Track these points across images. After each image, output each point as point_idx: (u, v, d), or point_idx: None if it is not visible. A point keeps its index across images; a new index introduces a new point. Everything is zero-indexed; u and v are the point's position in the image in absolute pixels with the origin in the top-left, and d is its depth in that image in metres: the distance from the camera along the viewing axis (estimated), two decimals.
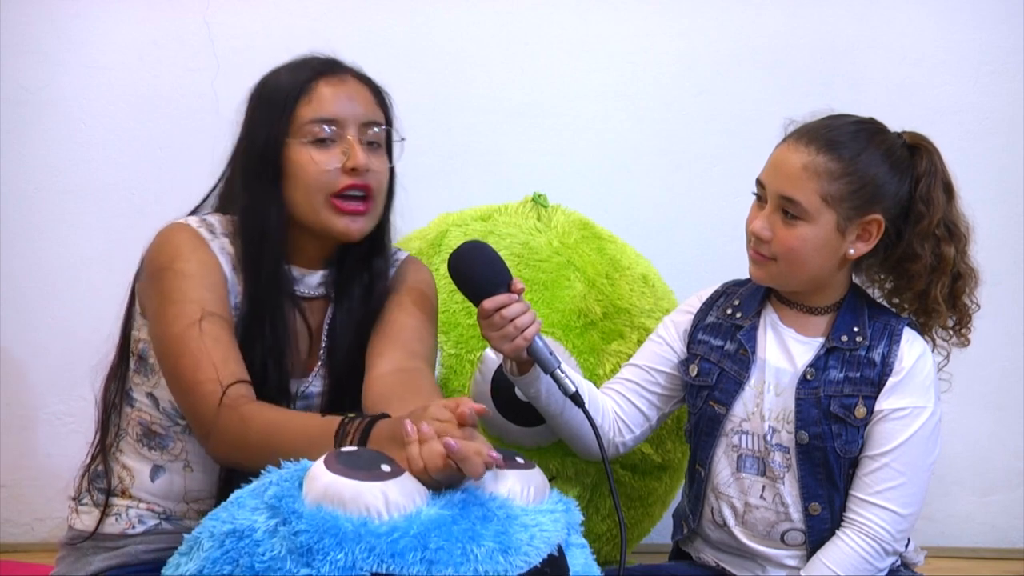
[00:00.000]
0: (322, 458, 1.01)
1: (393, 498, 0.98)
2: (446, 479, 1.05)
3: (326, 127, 1.40)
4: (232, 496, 1.06)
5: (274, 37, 2.20)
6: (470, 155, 2.29)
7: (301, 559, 0.95)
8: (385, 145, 1.47)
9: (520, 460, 1.12)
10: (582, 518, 1.14)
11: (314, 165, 1.39)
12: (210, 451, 1.32)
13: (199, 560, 1.01)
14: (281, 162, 1.40)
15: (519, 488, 1.07)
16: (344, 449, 1.05)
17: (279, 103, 1.41)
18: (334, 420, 1.18)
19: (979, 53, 2.31)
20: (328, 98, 1.41)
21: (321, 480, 0.98)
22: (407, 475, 1.02)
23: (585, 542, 1.14)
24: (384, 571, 0.94)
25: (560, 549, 1.06)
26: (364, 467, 1.00)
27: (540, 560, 1.01)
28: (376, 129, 1.44)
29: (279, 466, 1.06)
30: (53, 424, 2.26)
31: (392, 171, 1.49)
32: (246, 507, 1.02)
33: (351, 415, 1.17)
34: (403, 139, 1.49)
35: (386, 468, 1.00)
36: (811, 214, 1.47)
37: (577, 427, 1.57)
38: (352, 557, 0.94)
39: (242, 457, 1.27)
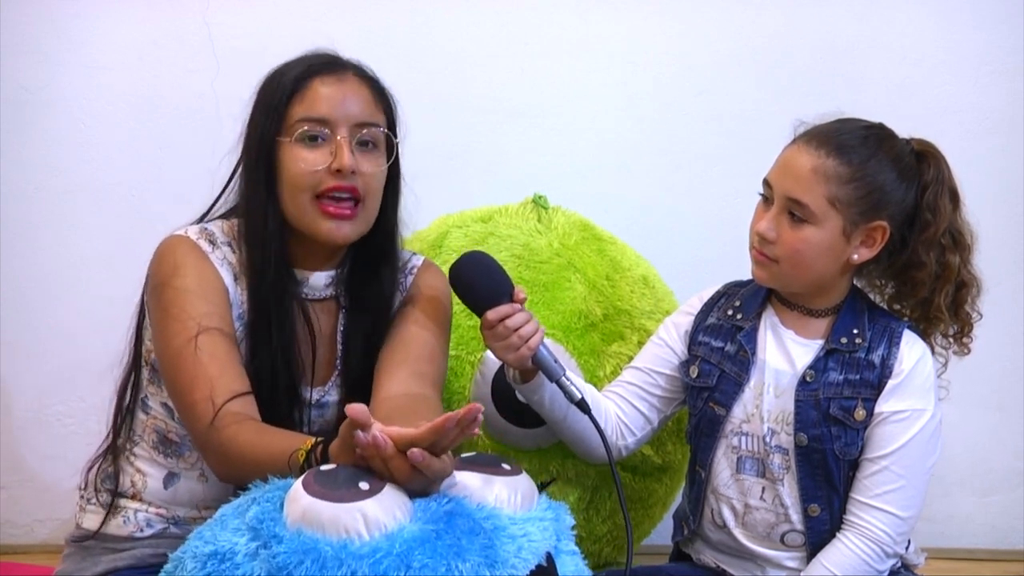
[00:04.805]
0: (300, 479, 1.00)
1: (373, 517, 0.96)
2: (421, 487, 1.04)
3: (316, 127, 1.37)
4: (217, 513, 1.06)
5: (274, 37, 2.19)
6: (470, 155, 2.28)
7: None
8: (384, 145, 1.43)
9: (507, 466, 1.10)
10: (573, 523, 1.13)
11: (301, 164, 1.37)
12: (209, 467, 1.34)
13: None
14: (274, 162, 1.39)
15: (506, 495, 1.06)
16: (322, 468, 1.03)
17: (274, 101, 1.39)
18: (302, 443, 1.16)
19: (979, 53, 2.30)
20: (321, 97, 1.38)
21: (299, 503, 0.97)
22: (388, 489, 1.00)
23: (576, 549, 1.13)
24: None
25: (549, 558, 1.05)
26: (342, 486, 0.98)
27: (527, 572, 1.00)
28: (370, 130, 1.40)
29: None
30: (53, 424, 2.25)
31: (396, 174, 1.47)
32: (228, 527, 1.02)
33: (319, 440, 1.16)
34: (397, 141, 1.45)
35: (364, 486, 0.99)
36: (817, 217, 1.47)
37: (580, 431, 1.57)
38: None
39: (231, 476, 1.28)
